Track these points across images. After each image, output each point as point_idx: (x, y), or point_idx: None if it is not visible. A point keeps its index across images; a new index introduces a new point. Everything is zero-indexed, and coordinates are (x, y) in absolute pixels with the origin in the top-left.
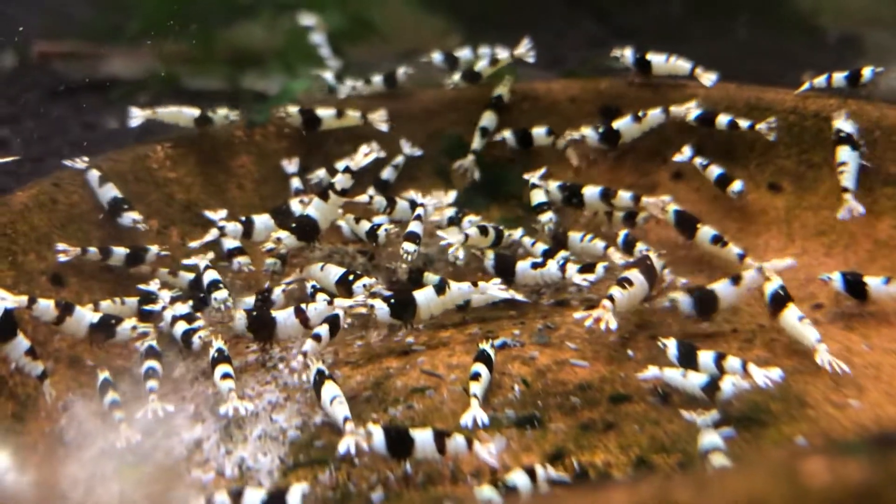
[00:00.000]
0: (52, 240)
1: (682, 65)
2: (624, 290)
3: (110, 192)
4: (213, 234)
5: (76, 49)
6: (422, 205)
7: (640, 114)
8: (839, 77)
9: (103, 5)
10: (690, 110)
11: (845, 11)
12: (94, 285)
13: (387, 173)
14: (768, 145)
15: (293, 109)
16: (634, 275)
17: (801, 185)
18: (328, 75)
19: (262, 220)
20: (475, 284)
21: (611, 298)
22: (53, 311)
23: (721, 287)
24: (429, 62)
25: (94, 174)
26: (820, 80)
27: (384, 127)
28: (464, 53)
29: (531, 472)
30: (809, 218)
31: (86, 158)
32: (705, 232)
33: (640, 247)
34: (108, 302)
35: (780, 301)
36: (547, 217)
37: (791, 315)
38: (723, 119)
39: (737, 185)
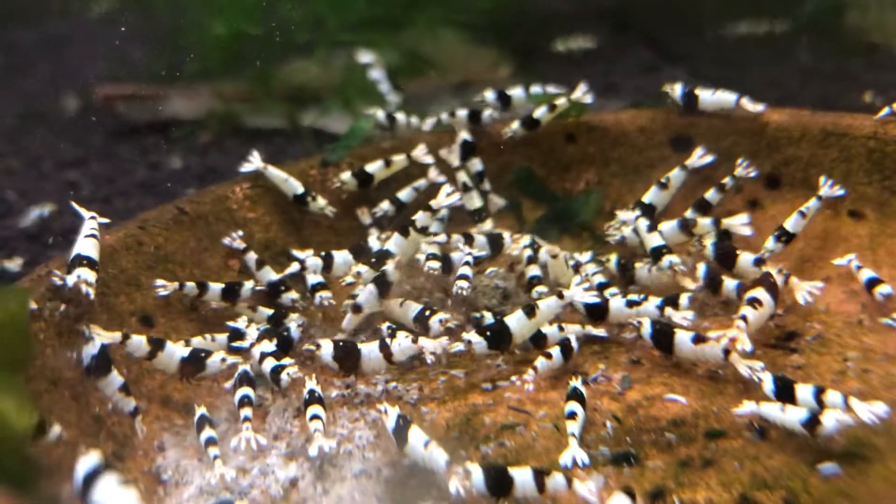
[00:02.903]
0: (139, 282)
1: (727, 98)
2: (755, 310)
3: (268, 274)
4: (294, 267)
5: (138, 91)
6: (469, 253)
7: (663, 180)
8: None
9: (163, 48)
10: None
11: None
12: (182, 325)
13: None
14: (847, 172)
15: (346, 176)
16: (762, 294)
17: (885, 211)
18: (380, 113)
19: (341, 256)
20: (560, 296)
21: (744, 319)
22: (146, 347)
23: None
24: (482, 101)
25: (252, 256)
26: None
27: (429, 159)
28: (516, 92)
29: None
30: (895, 245)
31: (241, 233)
32: (745, 258)
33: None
34: (198, 338)
35: None
36: (667, 262)
37: None
38: (713, 194)
39: (885, 289)
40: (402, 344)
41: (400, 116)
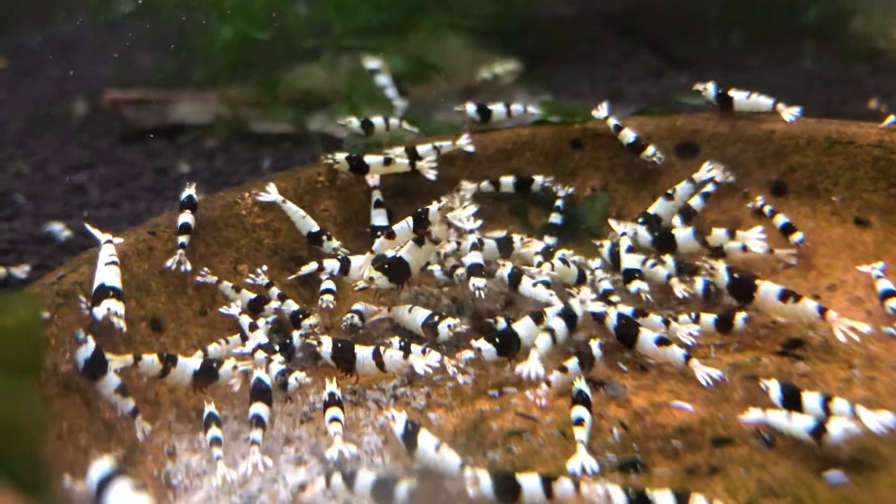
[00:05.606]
0: (150, 287)
1: (764, 101)
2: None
3: (292, 306)
4: (311, 266)
5: (145, 96)
6: (475, 234)
7: (669, 192)
8: None
9: (170, 53)
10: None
11: None
12: (191, 330)
13: None
14: (853, 179)
15: (340, 156)
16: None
17: (890, 219)
18: (354, 121)
19: (358, 261)
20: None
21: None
22: (158, 365)
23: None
24: (461, 112)
25: (275, 291)
26: None
27: (432, 175)
28: (497, 108)
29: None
30: None
31: (266, 268)
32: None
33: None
34: (213, 345)
35: None
36: (635, 287)
37: None
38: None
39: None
40: (392, 356)
41: (378, 122)
